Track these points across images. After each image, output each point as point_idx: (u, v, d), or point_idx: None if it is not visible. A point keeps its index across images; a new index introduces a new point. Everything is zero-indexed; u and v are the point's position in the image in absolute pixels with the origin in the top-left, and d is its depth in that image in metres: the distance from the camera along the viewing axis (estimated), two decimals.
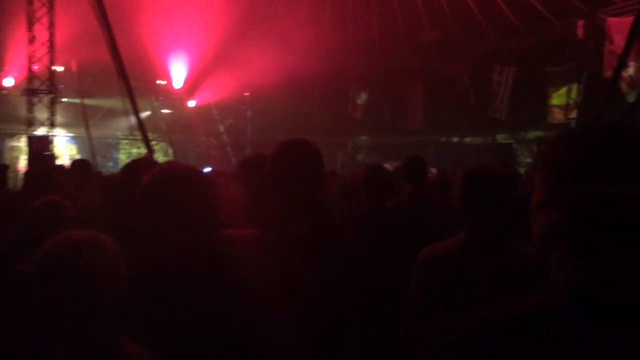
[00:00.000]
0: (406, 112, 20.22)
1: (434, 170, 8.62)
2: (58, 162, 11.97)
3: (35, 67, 11.09)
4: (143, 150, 20.49)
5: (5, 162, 15.14)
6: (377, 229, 3.71)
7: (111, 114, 17.78)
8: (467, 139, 20.96)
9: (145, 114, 16.04)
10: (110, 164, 19.63)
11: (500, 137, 19.68)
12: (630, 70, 12.75)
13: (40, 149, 10.62)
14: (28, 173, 7.55)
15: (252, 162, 3.11)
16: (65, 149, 18.75)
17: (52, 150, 11.12)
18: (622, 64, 4.32)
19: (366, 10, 17.70)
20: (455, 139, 21.35)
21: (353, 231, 3.62)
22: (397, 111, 20.63)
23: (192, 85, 18.36)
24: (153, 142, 12.72)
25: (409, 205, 3.83)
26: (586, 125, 1.08)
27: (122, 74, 6.50)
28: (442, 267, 2.21)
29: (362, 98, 20.86)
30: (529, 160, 17.66)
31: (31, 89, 11.10)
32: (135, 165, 3.10)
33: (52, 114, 11.34)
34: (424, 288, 2.25)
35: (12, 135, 17.39)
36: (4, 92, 15.54)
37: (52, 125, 11.37)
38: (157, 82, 17.99)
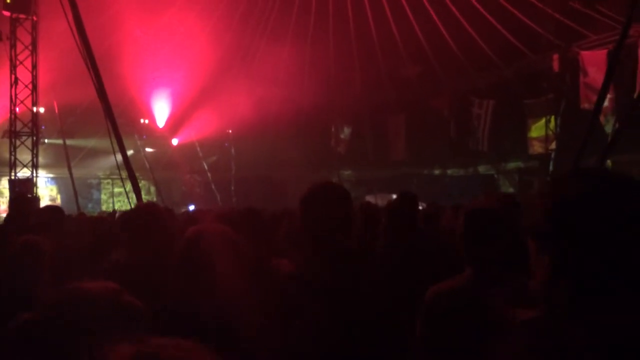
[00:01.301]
0: (389, 145, 20.44)
1: (423, 204, 8.65)
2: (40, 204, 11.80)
3: (18, 109, 11.01)
4: (126, 189, 20.39)
5: None
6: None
7: (92, 154, 17.70)
8: (450, 171, 21.21)
9: (128, 153, 15.93)
10: (90, 204, 19.39)
11: (482, 169, 19.96)
12: (605, 102, 13.10)
13: (23, 191, 10.45)
14: (8, 217, 7.43)
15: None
16: (45, 190, 18.52)
17: (36, 193, 10.95)
18: (602, 97, 4.48)
19: (348, 46, 18.04)
20: (438, 171, 21.59)
21: None
22: (380, 145, 20.85)
23: (176, 124, 18.38)
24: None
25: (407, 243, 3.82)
26: (587, 168, 1.14)
27: (108, 113, 6.48)
28: (451, 305, 2.20)
29: (346, 132, 21.07)
30: (511, 190, 17.90)
31: (14, 131, 10.99)
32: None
33: (35, 155, 11.20)
34: (434, 327, 2.23)
35: None
36: None
37: (35, 167, 11.21)
38: (141, 120, 17.98)
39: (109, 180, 20.07)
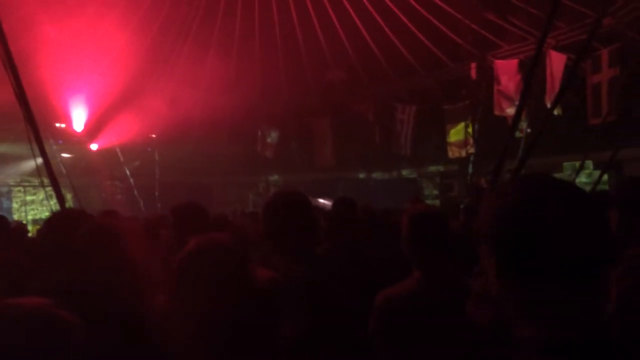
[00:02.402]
0: (315, 150, 20.64)
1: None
2: None
3: None
4: (38, 198, 19.29)
5: None
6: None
7: (2, 159, 16.62)
8: (375, 175, 21.75)
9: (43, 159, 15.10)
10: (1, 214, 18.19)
11: (406, 172, 20.63)
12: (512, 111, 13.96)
13: None
14: None
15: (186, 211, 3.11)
16: None
17: None
18: (522, 105, 4.80)
19: (274, 50, 18.06)
20: (363, 175, 22.08)
21: None
22: (307, 149, 21.01)
23: (95, 128, 17.56)
24: (51, 187, 11.99)
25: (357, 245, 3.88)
26: (530, 174, 1.17)
27: (29, 118, 6.11)
28: (403, 308, 2.27)
29: (273, 136, 21.05)
30: (435, 192, 18.60)
31: None
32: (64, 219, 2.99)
33: None
34: (386, 331, 2.29)
35: None
36: None
37: None
38: (56, 125, 17.04)
39: (21, 188, 18.91)
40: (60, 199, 7.09)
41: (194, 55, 17.49)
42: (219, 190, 20.56)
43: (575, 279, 1.01)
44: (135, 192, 18.07)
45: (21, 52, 12.48)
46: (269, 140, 21.03)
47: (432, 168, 19.89)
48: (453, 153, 17.03)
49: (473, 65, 15.24)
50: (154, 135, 18.63)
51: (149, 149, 19.11)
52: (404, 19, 15.72)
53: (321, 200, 18.29)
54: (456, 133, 16.67)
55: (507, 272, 1.06)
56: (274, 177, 22.57)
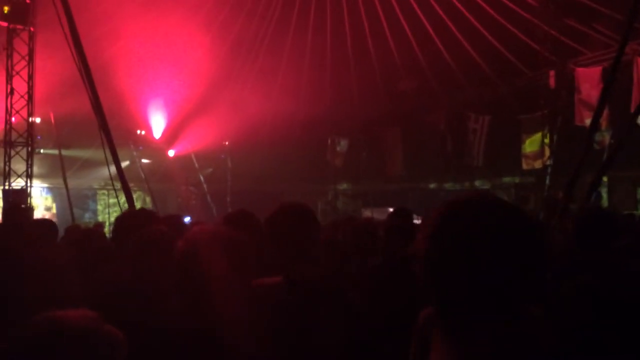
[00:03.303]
0: (385, 159, 20.48)
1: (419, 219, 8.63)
2: (34, 213, 11.76)
3: (13, 120, 11.01)
4: (120, 200, 20.36)
5: None
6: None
7: (88, 164, 17.66)
8: (446, 185, 21.23)
9: (124, 164, 15.91)
10: (87, 214, 19.35)
11: (479, 183, 20.00)
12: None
13: (17, 202, 10.40)
14: (1, 227, 7.38)
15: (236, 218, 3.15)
16: (41, 200, 18.46)
17: (29, 203, 10.90)
18: (598, 114, 4.52)
19: (345, 60, 18.14)
20: (433, 185, 21.61)
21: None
22: (377, 158, 20.88)
23: (172, 135, 18.38)
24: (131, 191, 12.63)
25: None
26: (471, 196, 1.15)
27: (103, 126, 6.47)
28: None
29: (342, 145, 21.10)
30: None
31: (9, 140, 10.97)
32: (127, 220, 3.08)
33: (30, 166, 11.17)
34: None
35: None
36: None
37: (29, 177, 11.18)
38: (137, 132, 17.98)
39: (105, 191, 20.02)
40: (130, 202, 7.46)
41: (266, 66, 17.90)
42: (288, 197, 20.82)
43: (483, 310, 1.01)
44: (208, 197, 18.68)
45: (106, 64, 13.30)
46: (338, 149, 21.10)
47: (507, 179, 19.15)
48: (528, 164, 16.34)
49: (552, 73, 14.56)
50: (227, 143, 19.22)
51: (222, 156, 19.72)
52: (477, 24, 15.29)
53: (391, 210, 18.08)
54: (532, 144, 15.97)
55: (433, 287, 1.08)
56: (343, 186, 22.57)
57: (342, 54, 18.07)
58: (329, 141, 21.10)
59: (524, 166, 16.63)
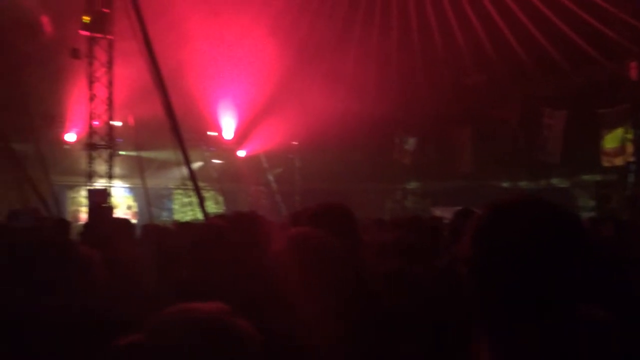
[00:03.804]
0: (455, 156, 20.03)
1: None
2: (116, 212, 12.47)
3: (95, 123, 11.70)
4: (194, 200, 21.14)
5: (66, 214, 15.88)
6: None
7: (164, 165, 18.42)
8: (521, 183, 20.46)
9: (197, 165, 16.53)
10: (165, 213, 20.20)
11: (556, 181, 19.13)
12: None
13: (99, 201, 11.07)
14: (86, 225, 7.87)
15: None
16: (122, 199, 19.48)
17: (110, 203, 11.56)
18: None
19: (411, 56, 17.91)
20: (506, 184, 20.89)
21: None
22: (446, 156, 20.47)
23: (242, 136, 18.87)
24: (203, 191, 13.09)
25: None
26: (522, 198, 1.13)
27: (175, 128, 6.77)
28: None
29: (410, 143, 20.86)
30: (591, 203, 16.98)
31: (92, 143, 11.68)
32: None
33: (111, 167, 11.85)
34: None
35: (73, 187, 18.22)
36: (66, 146, 16.39)
37: (111, 177, 11.86)
38: (208, 133, 18.59)
39: (180, 191, 20.81)
40: (201, 202, 7.76)
41: (333, 65, 17.99)
42: (357, 197, 20.82)
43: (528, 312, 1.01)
44: (277, 197, 19.02)
45: (178, 67, 13.86)
46: (406, 147, 20.87)
47: (587, 177, 18.18)
48: (608, 161, 15.47)
49: (633, 64, 13.70)
50: (295, 143, 19.49)
51: (291, 156, 20.02)
52: (549, 13, 14.63)
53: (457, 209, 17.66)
54: (612, 139, 15.11)
55: (478, 290, 1.07)
56: (412, 185, 22.29)
57: (409, 51, 17.86)
58: (396, 139, 20.91)
59: (604, 163, 15.76)
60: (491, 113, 18.37)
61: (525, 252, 1.00)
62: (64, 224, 6.19)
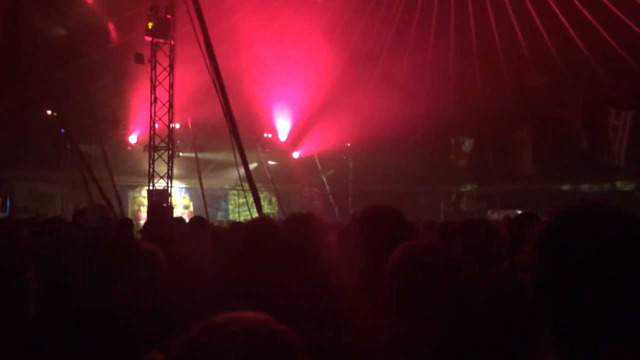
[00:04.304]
0: (513, 158, 19.49)
1: None
2: (174, 212, 12.81)
3: (157, 126, 12.06)
4: (249, 200, 21.46)
5: (127, 213, 16.49)
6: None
7: (220, 166, 18.83)
8: (583, 186, 19.69)
9: (252, 166, 16.81)
10: (220, 213, 20.64)
11: (620, 184, 18.31)
12: None
13: (159, 201, 11.40)
14: (147, 224, 8.12)
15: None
16: (179, 199, 20.04)
17: (170, 203, 11.88)
18: None
19: (470, 56, 17.56)
20: (567, 187, 20.14)
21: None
22: (504, 158, 19.95)
23: (296, 138, 19.04)
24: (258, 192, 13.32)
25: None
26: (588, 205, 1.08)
27: (234, 131, 6.90)
28: None
29: (467, 145, 20.45)
30: None
31: (153, 145, 12.04)
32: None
33: (171, 168, 12.18)
34: None
35: (134, 187, 18.89)
36: (129, 148, 17.00)
37: (170, 178, 12.19)
38: (264, 135, 18.85)
39: (235, 192, 21.20)
40: (258, 203, 7.86)
41: (388, 67, 17.88)
42: (410, 199, 20.62)
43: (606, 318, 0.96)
44: (331, 198, 19.06)
45: (236, 71, 14.12)
46: (463, 148, 20.47)
47: None
48: None
49: None
50: (348, 144, 19.48)
51: (344, 157, 20.03)
52: (615, 10, 13.99)
53: (519, 212, 17.17)
54: None
55: (541, 299, 1.04)
56: (467, 187, 21.84)
57: (467, 50, 17.51)
58: (452, 141, 20.55)
59: None
60: (553, 114, 17.79)
61: (592, 261, 0.96)
62: (127, 223, 6.39)
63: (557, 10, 15.17)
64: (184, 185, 19.92)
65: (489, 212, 18.80)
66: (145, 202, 18.60)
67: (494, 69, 17.45)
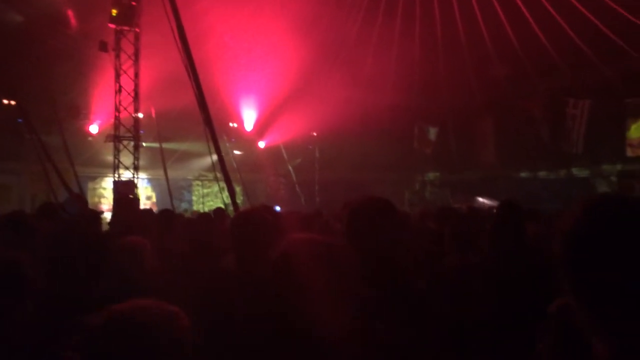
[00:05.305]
0: (476, 147, 19.93)
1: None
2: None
3: (121, 115, 11.77)
4: (213, 190, 21.22)
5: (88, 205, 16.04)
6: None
7: (183, 157, 18.54)
8: (540, 174, 20.33)
9: (216, 156, 16.60)
10: (184, 204, 20.33)
11: (577, 171, 18.99)
12: None
13: (126, 192, 11.15)
14: (114, 216, 7.94)
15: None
16: (142, 190, 19.65)
17: (136, 194, 11.64)
18: None
19: (434, 47, 17.79)
20: (525, 174, 20.75)
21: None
22: (467, 147, 20.37)
23: (262, 127, 18.91)
24: (222, 182, 13.15)
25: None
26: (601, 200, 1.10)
27: (208, 119, 6.81)
28: None
29: (431, 133, 20.77)
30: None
31: (117, 135, 11.75)
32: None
33: (136, 158, 11.92)
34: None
35: (94, 178, 18.40)
36: (90, 138, 16.53)
37: (136, 169, 11.94)
38: (230, 124, 18.65)
39: (199, 182, 20.93)
40: (232, 192, 7.78)
41: (354, 55, 17.92)
42: (376, 187, 20.80)
43: None
44: (297, 187, 19.05)
45: (200, 60, 13.86)
46: (427, 136, 20.78)
47: (608, 167, 18.03)
48: (633, 151, 15.32)
49: None
50: (315, 133, 19.48)
51: (310, 147, 20.03)
52: (576, 3, 14.42)
53: (480, 199, 17.61)
54: (638, 128, 14.96)
55: (580, 291, 1.06)
56: (431, 176, 22.21)
57: (432, 41, 17.73)
58: (416, 130, 20.82)
59: (629, 153, 15.64)
60: (514, 104, 18.24)
61: (625, 249, 0.99)
62: (96, 215, 6.25)
63: (519, 2, 15.52)
64: (146, 176, 19.53)
65: (451, 200, 19.20)
66: (107, 193, 18.18)
67: (458, 60, 17.73)
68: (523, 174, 20.79)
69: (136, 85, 11.51)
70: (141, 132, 14.19)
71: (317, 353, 1.57)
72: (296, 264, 1.66)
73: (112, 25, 11.08)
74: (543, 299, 2.29)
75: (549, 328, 2.21)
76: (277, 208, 16.27)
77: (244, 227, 2.78)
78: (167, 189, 15.17)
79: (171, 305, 1.29)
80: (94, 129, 16.28)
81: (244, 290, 2.23)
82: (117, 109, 11.58)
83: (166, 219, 5.39)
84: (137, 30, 11.14)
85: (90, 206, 16.79)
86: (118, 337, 1.18)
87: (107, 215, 10.32)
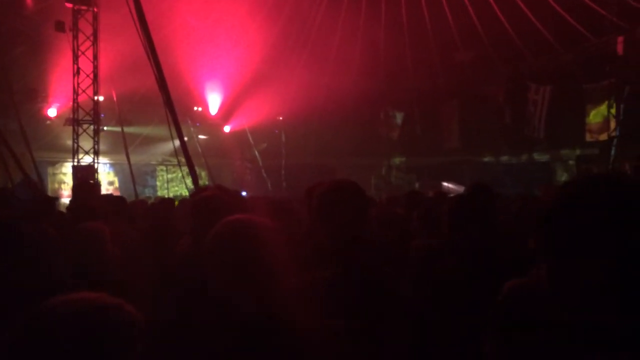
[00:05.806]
0: (441, 132, 20.14)
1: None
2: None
3: (79, 98, 11.43)
4: (177, 176, 20.95)
5: (47, 190, 15.61)
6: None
7: (146, 141, 18.18)
8: (502, 158, 20.71)
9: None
10: (147, 190, 20.00)
11: (538, 156, 19.40)
12: None
13: (85, 177, 10.87)
14: (73, 202, 7.74)
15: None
16: (104, 175, 19.22)
17: (97, 179, 11.37)
18: None
19: (399, 32, 17.81)
20: (488, 159, 21.12)
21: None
22: (432, 132, 20.56)
23: (228, 111, 18.67)
24: (186, 167, 12.99)
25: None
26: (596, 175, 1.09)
27: (169, 103, 6.65)
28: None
29: (398, 118, 20.89)
30: (568, 177, 17.31)
31: (76, 119, 11.41)
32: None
33: (97, 143, 11.62)
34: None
35: (54, 163, 17.89)
36: (48, 122, 16.03)
37: (97, 153, 11.64)
38: (194, 108, 18.34)
39: (163, 167, 20.60)
40: (195, 178, 7.67)
41: (320, 39, 17.80)
42: (342, 171, 20.87)
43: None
44: (263, 172, 18.94)
45: (163, 42, 13.55)
46: (394, 121, 20.90)
47: (567, 151, 18.47)
48: (592, 136, 15.71)
49: (620, 39, 13.81)
50: (281, 118, 19.36)
51: (276, 131, 19.90)
52: None
53: (445, 184, 17.86)
54: (597, 114, 15.33)
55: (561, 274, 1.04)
56: (397, 160, 22.38)
57: (396, 26, 17.74)
58: (382, 114, 20.90)
59: (588, 138, 16.01)
60: (478, 89, 18.46)
61: (606, 231, 0.96)
62: (49, 200, 6.10)
63: None
64: (108, 161, 19.10)
65: (417, 185, 19.41)
66: (66, 179, 17.72)
67: (423, 44, 17.81)
68: (486, 159, 21.16)
69: (95, 67, 11.18)
70: (102, 115, 13.84)
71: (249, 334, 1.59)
72: (225, 244, 1.68)
73: (69, 5, 10.70)
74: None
75: (498, 309, 2.23)
76: (244, 193, 16.19)
77: (202, 208, 2.79)
78: (130, 174, 14.89)
79: (116, 298, 1.22)
80: (52, 112, 15.77)
81: (195, 272, 2.20)
82: (75, 92, 11.23)
83: (123, 204, 5.31)
84: (95, 9, 10.79)
85: (50, 192, 16.38)
86: (38, 333, 1.11)
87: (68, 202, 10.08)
